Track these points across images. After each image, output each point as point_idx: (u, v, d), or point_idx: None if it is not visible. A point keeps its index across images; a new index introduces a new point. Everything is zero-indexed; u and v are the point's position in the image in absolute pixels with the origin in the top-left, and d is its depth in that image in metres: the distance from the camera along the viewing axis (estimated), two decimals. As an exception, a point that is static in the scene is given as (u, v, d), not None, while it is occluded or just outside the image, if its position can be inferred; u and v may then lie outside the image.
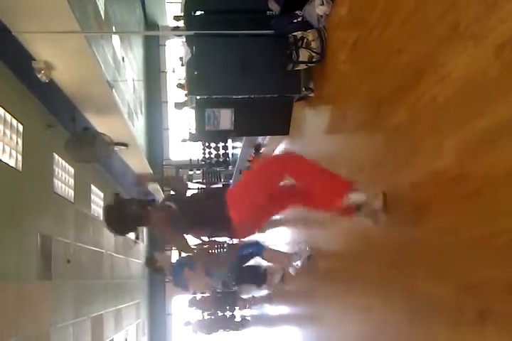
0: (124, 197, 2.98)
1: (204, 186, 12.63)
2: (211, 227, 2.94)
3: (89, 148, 6.85)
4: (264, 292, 8.27)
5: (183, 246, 2.99)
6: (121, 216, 2.79)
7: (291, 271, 4.74)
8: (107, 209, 2.86)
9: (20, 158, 5.95)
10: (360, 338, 3.31)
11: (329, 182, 2.81)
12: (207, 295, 11.83)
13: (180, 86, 9.35)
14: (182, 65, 8.51)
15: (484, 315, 1.77)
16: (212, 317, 12.84)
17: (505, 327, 1.66)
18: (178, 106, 9.17)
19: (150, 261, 5.69)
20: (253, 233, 3.13)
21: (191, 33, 4.60)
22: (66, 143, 6.78)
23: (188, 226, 2.88)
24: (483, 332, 1.79)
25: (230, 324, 12.65)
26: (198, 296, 12.42)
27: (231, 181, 11.64)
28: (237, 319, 12.86)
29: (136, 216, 2.80)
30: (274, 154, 3.09)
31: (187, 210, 2.88)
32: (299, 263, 4.55)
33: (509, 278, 1.63)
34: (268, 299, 7.92)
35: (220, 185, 12.12)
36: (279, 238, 6.79)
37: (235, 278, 5.77)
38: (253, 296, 7.35)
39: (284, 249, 5.82)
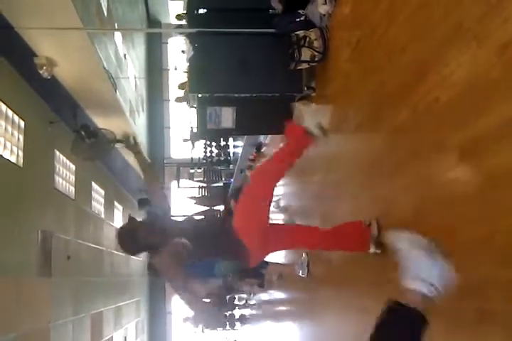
0: (137, 220, 2.94)
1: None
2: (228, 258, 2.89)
3: (93, 147, 6.85)
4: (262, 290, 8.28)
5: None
6: (134, 239, 2.75)
7: (300, 274, 4.89)
8: (120, 231, 2.85)
9: (21, 154, 5.95)
10: (356, 338, 3.31)
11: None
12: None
13: (181, 86, 9.39)
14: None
15: (483, 315, 1.77)
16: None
17: (505, 328, 1.66)
18: (179, 99, 9.21)
19: (152, 266, 5.73)
20: (266, 255, 3.06)
21: (194, 30, 4.60)
22: (73, 146, 6.82)
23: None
24: (481, 332, 1.79)
25: (228, 320, 12.65)
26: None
27: (231, 180, 11.62)
28: (236, 317, 12.87)
29: (148, 244, 2.77)
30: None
31: (203, 244, 2.73)
32: (301, 272, 4.82)
33: (509, 279, 1.62)
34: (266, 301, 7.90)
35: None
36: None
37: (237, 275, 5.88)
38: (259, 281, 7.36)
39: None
